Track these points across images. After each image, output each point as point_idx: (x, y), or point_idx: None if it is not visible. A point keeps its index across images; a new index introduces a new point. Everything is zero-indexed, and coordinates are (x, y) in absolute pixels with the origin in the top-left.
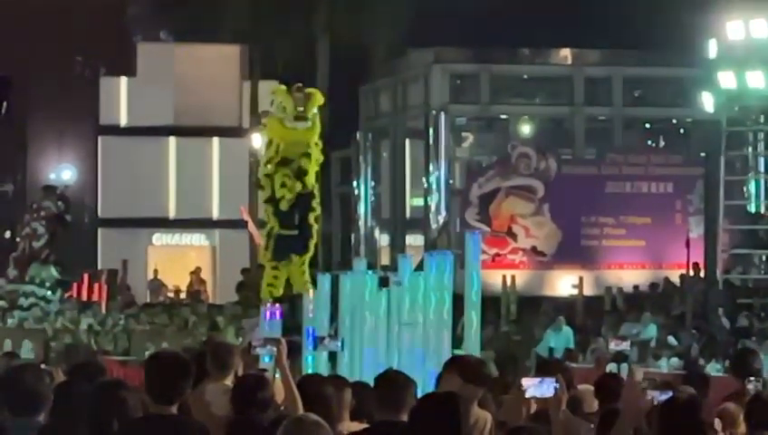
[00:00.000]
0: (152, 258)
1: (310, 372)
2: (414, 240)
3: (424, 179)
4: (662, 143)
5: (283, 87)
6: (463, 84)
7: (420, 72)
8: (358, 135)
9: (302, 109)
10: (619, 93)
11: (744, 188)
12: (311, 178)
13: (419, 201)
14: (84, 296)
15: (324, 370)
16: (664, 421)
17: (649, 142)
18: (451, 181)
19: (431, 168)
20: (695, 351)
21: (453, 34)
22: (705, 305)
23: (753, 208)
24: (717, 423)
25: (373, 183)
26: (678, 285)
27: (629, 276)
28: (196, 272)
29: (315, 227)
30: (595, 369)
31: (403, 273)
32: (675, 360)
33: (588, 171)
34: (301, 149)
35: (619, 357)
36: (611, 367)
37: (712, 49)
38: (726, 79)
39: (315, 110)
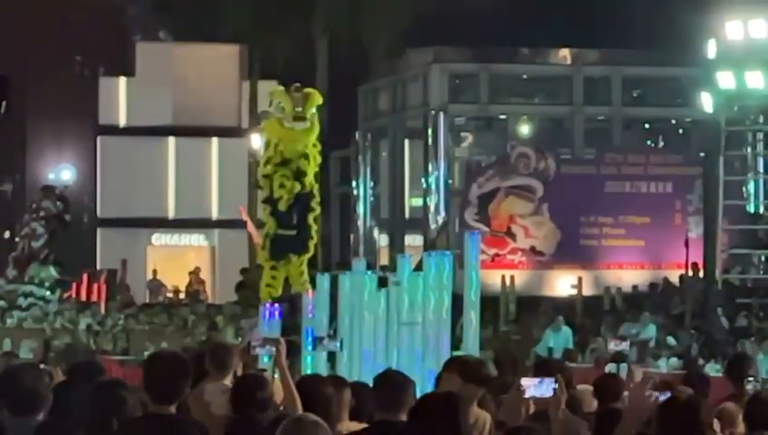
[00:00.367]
0: (151, 258)
1: (309, 371)
2: (413, 240)
3: (423, 179)
4: (661, 143)
5: (282, 88)
6: (462, 84)
7: (419, 72)
8: (357, 135)
9: (300, 109)
10: (618, 93)
11: (744, 188)
12: (309, 179)
13: (418, 201)
14: (83, 296)
15: (323, 370)
16: (663, 421)
17: (648, 142)
18: (450, 181)
19: (430, 168)
20: (694, 351)
21: (452, 34)
22: (705, 305)
23: (752, 208)
24: (716, 423)
25: (372, 183)
26: (677, 284)
27: (629, 276)
28: (195, 272)
29: (315, 228)
30: (594, 369)
31: (402, 273)
32: (674, 360)
33: (587, 171)
34: (299, 149)
35: (618, 357)
36: (610, 367)
37: (711, 49)
38: (725, 79)
39: (314, 109)
